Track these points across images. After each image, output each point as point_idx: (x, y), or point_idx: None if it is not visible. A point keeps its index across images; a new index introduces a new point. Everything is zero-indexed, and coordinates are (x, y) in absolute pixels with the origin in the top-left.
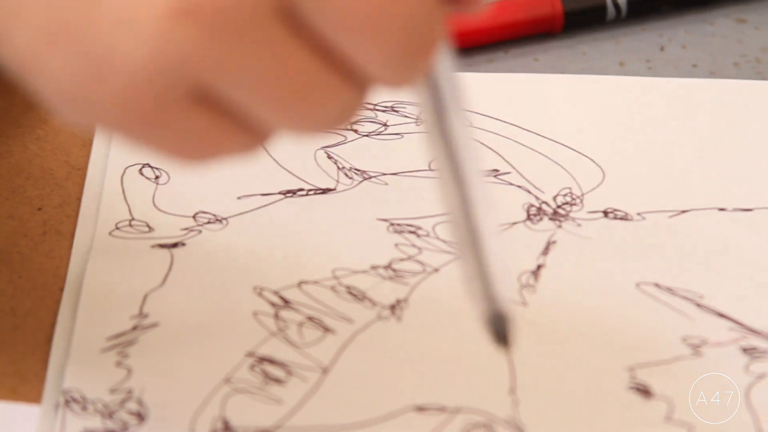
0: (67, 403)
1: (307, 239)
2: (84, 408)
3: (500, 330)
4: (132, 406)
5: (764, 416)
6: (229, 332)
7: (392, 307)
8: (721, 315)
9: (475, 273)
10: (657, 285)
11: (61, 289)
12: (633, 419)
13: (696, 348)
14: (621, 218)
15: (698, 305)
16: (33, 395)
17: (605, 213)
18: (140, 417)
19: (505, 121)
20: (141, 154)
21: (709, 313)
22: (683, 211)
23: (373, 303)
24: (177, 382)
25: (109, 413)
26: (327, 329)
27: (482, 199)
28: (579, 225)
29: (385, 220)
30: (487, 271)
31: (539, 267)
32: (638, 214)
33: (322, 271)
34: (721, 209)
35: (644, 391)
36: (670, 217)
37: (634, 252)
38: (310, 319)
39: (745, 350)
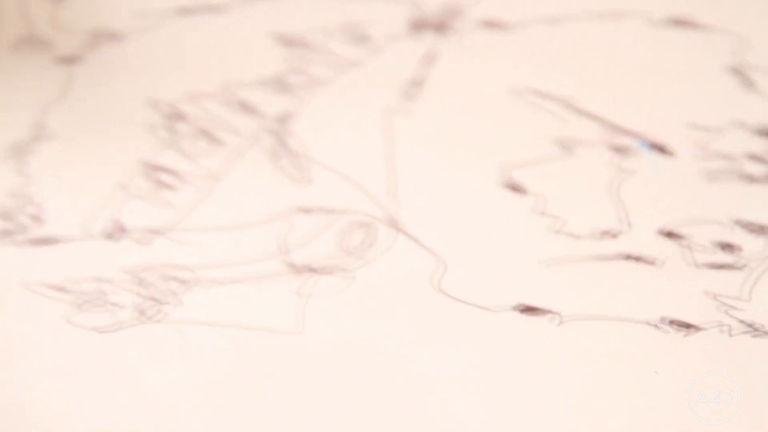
0: None
1: (200, 53)
2: None
3: None
4: (30, 209)
5: (633, 211)
6: (124, 142)
7: (281, 120)
8: (592, 115)
9: None
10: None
11: None
12: (509, 213)
13: (568, 148)
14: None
15: (570, 107)
16: None
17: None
18: (38, 220)
19: None
20: None
21: (580, 115)
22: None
23: (263, 116)
24: (73, 188)
25: (8, 216)
26: (219, 141)
27: None
28: (462, 35)
29: (278, 34)
30: None
31: (421, 80)
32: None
33: (215, 83)
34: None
35: (518, 189)
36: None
37: (511, 56)
38: (203, 131)
39: (615, 149)
